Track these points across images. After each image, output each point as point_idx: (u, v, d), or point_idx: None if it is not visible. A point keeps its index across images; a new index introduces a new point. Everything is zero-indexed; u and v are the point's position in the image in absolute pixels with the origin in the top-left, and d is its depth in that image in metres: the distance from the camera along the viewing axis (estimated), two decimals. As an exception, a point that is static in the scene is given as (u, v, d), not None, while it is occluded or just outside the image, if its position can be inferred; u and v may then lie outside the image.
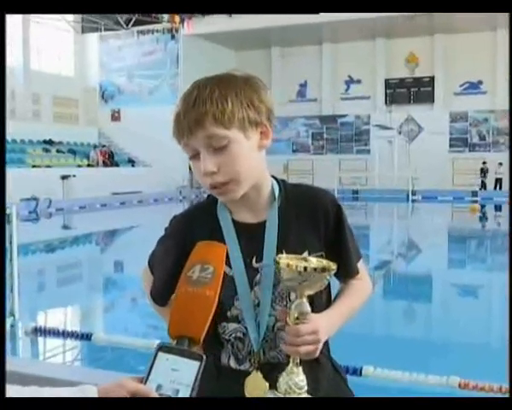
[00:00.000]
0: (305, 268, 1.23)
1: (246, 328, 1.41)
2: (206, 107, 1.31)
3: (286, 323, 1.33)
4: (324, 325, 1.32)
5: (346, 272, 1.48)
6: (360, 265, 1.53)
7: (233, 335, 1.42)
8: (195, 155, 1.35)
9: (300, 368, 1.29)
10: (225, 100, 1.32)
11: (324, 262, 1.30)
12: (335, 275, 1.41)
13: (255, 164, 1.38)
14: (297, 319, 1.28)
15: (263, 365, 1.40)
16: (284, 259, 1.27)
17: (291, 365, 1.29)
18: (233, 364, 1.43)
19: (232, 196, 1.38)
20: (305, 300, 1.28)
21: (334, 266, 1.27)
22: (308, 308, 1.29)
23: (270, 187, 1.45)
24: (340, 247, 1.46)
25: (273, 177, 1.49)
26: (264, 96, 1.38)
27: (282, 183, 1.48)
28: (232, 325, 1.42)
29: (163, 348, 1.13)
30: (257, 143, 1.38)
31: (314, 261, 1.29)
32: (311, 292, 1.29)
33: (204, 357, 1.11)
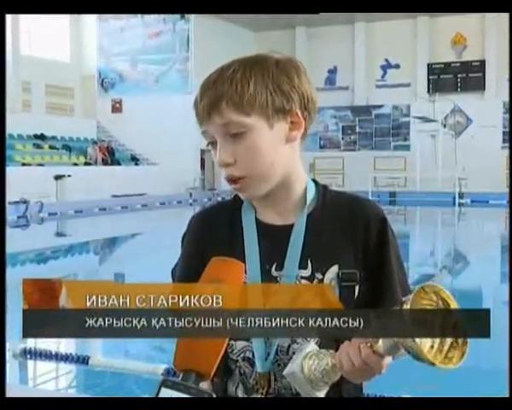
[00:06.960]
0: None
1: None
2: (224, 88, 1.32)
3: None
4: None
5: (384, 303, 1.40)
6: None
7: (241, 355, 1.40)
8: (213, 143, 1.38)
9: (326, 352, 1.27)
10: (247, 82, 1.32)
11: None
12: (370, 306, 1.38)
13: (280, 159, 1.38)
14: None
15: (273, 395, 1.37)
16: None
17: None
18: (241, 393, 1.42)
19: (251, 193, 1.40)
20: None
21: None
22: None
23: (304, 189, 1.45)
24: (381, 270, 1.41)
25: (313, 180, 1.49)
26: (297, 82, 1.37)
27: (321, 187, 1.48)
28: (241, 343, 1.40)
29: (167, 383, 1.11)
30: (285, 135, 1.38)
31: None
32: None
33: (214, 396, 1.10)
